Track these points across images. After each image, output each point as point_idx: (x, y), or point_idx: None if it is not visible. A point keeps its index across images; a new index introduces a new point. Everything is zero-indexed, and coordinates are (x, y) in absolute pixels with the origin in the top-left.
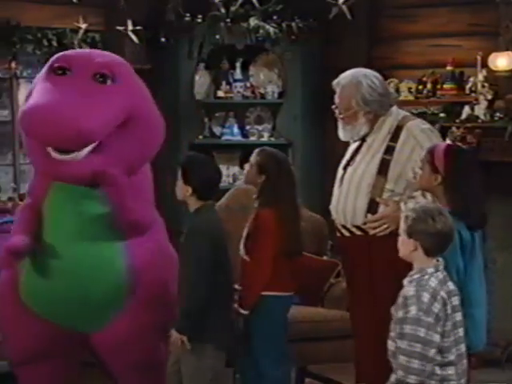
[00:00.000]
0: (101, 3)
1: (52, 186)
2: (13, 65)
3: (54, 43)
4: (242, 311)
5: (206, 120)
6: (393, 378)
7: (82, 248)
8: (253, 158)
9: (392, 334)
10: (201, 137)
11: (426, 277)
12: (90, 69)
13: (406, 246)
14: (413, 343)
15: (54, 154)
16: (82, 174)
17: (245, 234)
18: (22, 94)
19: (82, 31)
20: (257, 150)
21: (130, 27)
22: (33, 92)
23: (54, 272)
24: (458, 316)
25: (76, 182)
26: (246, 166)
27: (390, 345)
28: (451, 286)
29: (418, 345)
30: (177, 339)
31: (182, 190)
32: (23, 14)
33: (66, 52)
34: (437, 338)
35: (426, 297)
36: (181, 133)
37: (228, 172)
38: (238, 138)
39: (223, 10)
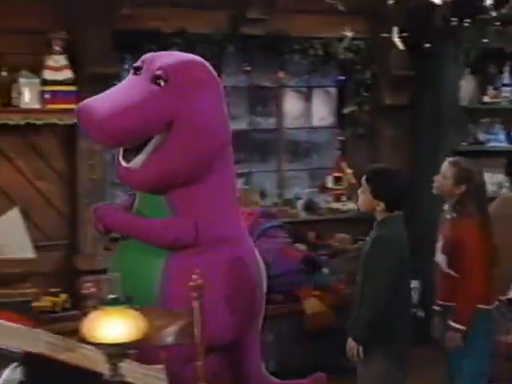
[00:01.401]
0: (367, 11)
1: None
2: (280, 74)
3: (320, 52)
4: (459, 327)
5: (470, 126)
6: None
7: (130, 254)
8: (447, 169)
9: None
10: (464, 143)
11: None
12: (151, 70)
13: None
14: None
15: (121, 161)
16: (138, 182)
17: (442, 245)
18: (288, 103)
19: (347, 39)
20: (450, 161)
21: (396, 34)
22: None
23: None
24: None
25: (138, 189)
26: (438, 178)
27: None
28: None
29: None
30: (353, 348)
31: (370, 204)
32: (292, 24)
33: (149, 55)
34: None
35: None
36: (443, 138)
37: (492, 180)
38: (504, 145)
39: (493, 13)
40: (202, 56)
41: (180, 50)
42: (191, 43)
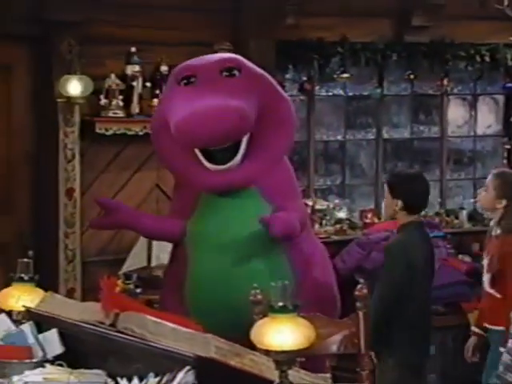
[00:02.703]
0: None
1: (200, 197)
2: (444, 82)
3: (487, 58)
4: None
5: None
6: None
7: (250, 252)
8: (490, 181)
9: (509, 345)
10: None
11: None
12: (215, 68)
13: None
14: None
15: (209, 165)
16: (237, 183)
17: (486, 264)
18: (451, 112)
19: None
20: (494, 173)
21: None
22: (166, 106)
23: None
24: None
25: (232, 190)
26: (481, 191)
27: (505, 357)
28: None
29: None
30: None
31: (390, 207)
32: (457, 31)
33: (187, 62)
34: None
35: None
36: None
37: None
38: None
39: None
40: (365, 64)
41: (342, 59)
42: (353, 51)
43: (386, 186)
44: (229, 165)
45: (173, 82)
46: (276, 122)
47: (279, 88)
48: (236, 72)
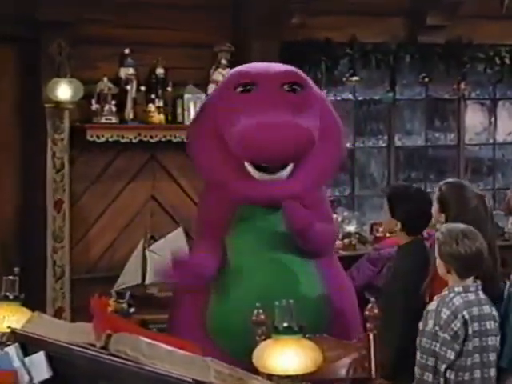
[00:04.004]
0: None
1: (237, 210)
2: (461, 85)
3: (507, 60)
4: None
5: None
6: None
7: (279, 271)
8: None
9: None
10: None
11: (452, 295)
12: (277, 80)
13: (440, 268)
14: (427, 356)
15: (258, 174)
16: (282, 196)
17: None
18: (469, 118)
19: None
20: None
21: None
22: (218, 112)
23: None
24: (491, 340)
25: (275, 204)
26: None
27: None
28: (487, 309)
29: (432, 359)
30: None
31: (390, 224)
32: (475, 31)
33: (244, 68)
34: (451, 354)
35: (445, 313)
36: None
37: None
38: None
39: None
40: (376, 67)
41: (351, 61)
42: (364, 53)
43: (385, 201)
44: (278, 175)
45: (227, 87)
46: (327, 142)
47: (332, 107)
48: (297, 88)
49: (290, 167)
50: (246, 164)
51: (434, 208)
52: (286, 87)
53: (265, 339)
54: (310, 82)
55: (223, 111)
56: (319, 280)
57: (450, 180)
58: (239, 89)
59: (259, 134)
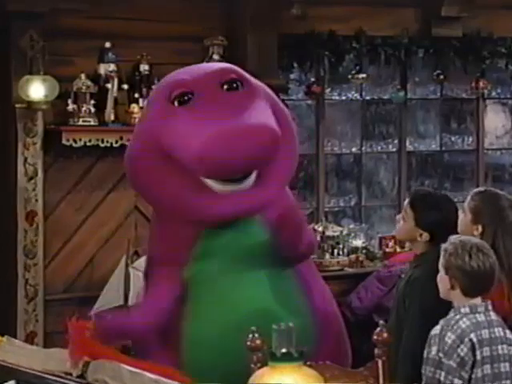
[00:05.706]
0: None
1: (198, 233)
2: (480, 83)
3: None
4: None
5: None
6: None
7: (260, 287)
8: None
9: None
10: None
11: (458, 317)
12: (214, 81)
13: (443, 283)
14: None
15: (220, 187)
16: (252, 208)
17: None
18: (489, 119)
19: None
20: None
21: None
22: (160, 129)
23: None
24: (504, 367)
25: (252, 211)
26: None
27: None
28: (499, 332)
29: None
30: None
31: (411, 234)
32: (495, 23)
33: (176, 77)
34: (458, 383)
35: (450, 337)
36: None
37: None
38: None
39: None
40: (385, 63)
41: (357, 56)
42: (371, 47)
43: (407, 206)
44: (244, 184)
45: (163, 100)
46: (285, 139)
47: (279, 100)
48: (238, 84)
49: (254, 174)
50: (204, 179)
51: (466, 219)
52: (225, 87)
53: (260, 367)
54: (249, 76)
55: (166, 129)
56: (301, 291)
57: (481, 189)
58: (177, 101)
59: (215, 147)
